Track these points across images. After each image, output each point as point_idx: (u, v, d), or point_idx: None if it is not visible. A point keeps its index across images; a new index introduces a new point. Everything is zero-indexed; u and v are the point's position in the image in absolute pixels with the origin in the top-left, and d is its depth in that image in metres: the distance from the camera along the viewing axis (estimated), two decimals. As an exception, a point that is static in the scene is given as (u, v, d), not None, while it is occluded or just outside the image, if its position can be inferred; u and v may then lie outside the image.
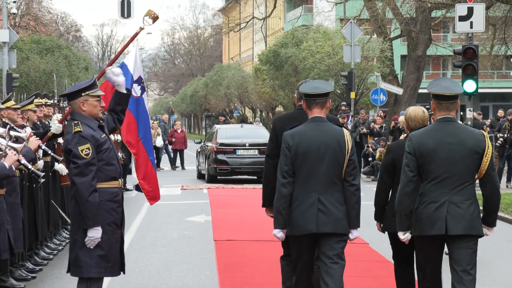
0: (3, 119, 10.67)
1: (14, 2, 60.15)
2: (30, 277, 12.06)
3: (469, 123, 23.27)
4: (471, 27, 21.76)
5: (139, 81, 10.19)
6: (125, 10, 36.87)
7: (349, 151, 7.96)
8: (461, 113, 24.10)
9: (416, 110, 9.01)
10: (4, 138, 8.96)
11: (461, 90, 8.20)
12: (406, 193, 7.86)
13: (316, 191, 7.92)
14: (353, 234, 8.03)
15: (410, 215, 7.88)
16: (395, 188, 8.58)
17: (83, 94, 8.25)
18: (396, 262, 9.14)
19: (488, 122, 33.45)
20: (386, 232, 9.09)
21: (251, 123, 50.12)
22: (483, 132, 8.06)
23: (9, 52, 35.51)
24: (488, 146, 7.79)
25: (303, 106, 8.26)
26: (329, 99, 8.21)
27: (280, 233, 8.06)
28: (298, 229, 7.93)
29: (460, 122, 8.38)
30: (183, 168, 37.92)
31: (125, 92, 8.82)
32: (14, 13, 63.20)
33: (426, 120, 8.90)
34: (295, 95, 9.29)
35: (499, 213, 16.83)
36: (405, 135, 9.53)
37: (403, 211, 7.89)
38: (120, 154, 21.04)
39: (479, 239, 7.87)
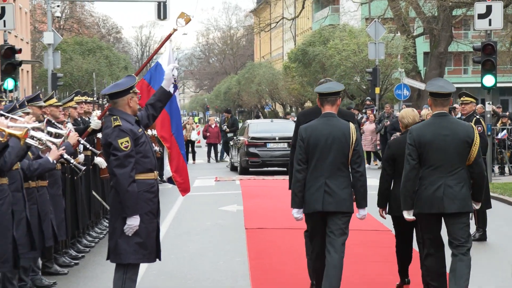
0: (46, 116, 10.76)
1: (58, 6, 60.53)
2: (73, 263, 12.17)
3: (488, 116, 23.15)
4: (490, 24, 21.61)
5: (174, 79, 10.24)
6: (161, 13, 37.00)
7: (354, 142, 8.85)
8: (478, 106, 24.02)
9: (408, 111, 10.08)
10: (43, 132, 9.03)
11: (453, 89, 9.00)
12: (409, 178, 8.78)
13: (323, 176, 8.84)
14: (361, 213, 9.02)
15: (413, 196, 8.81)
16: (396, 178, 9.57)
17: (130, 91, 8.34)
18: (398, 240, 10.06)
19: (507, 114, 33.32)
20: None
21: (285, 117, 49.96)
22: (472, 124, 9.19)
23: (54, 53, 35.72)
24: (476, 137, 8.76)
25: (317, 103, 9.19)
26: (339, 98, 9.12)
27: (297, 212, 9.08)
28: (308, 208, 8.94)
29: (453, 116, 9.52)
30: (217, 161, 37.97)
31: (168, 90, 8.90)
32: (58, 17, 63.61)
33: (417, 118, 9.90)
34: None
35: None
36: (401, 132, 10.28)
37: (407, 193, 8.82)
38: (157, 148, 21.18)
39: (496, 227, 8.34)
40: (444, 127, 8.78)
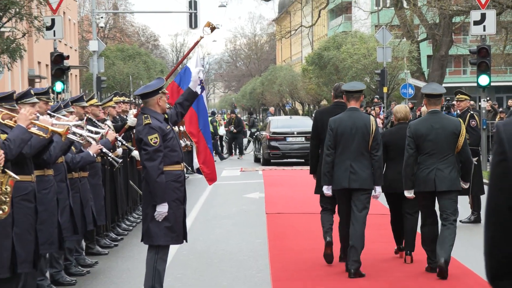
0: (87, 115, 10.78)
1: (102, 17, 60.70)
2: (113, 245, 12.24)
3: (483, 111, 22.99)
4: (484, 30, 21.45)
5: (200, 81, 10.20)
6: (193, 22, 37.08)
7: (373, 132, 9.54)
8: (479, 103, 23.91)
9: (401, 107, 10.95)
10: (83, 128, 9.05)
11: (443, 91, 9.85)
12: (408, 164, 9.55)
13: (349, 159, 9.54)
14: (377, 190, 9.70)
15: (412, 178, 9.54)
16: (388, 161, 10.29)
17: (159, 92, 8.31)
18: (391, 213, 10.64)
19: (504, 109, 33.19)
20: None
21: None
22: (460, 119, 10.10)
23: (98, 59, 35.91)
24: (462, 130, 9.56)
25: (344, 99, 9.92)
26: (362, 95, 9.89)
27: (327, 189, 9.73)
28: (336, 185, 9.61)
29: (444, 113, 10.35)
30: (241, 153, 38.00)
31: (195, 91, 8.87)
32: (102, 27, 63.83)
33: (408, 113, 10.71)
34: (332, 93, 10.78)
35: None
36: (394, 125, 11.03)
37: (407, 176, 9.56)
38: (188, 142, 21.14)
39: None
40: (436, 122, 9.54)
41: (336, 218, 10.07)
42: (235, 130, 36.17)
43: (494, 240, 2.33)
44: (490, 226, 2.34)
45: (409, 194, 9.63)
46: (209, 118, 37.83)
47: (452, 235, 9.35)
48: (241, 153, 37.09)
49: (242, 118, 41.27)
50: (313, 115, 11.55)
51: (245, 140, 38.67)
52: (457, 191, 9.56)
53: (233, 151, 37.11)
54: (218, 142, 36.44)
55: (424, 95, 9.91)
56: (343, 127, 9.56)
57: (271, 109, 49.47)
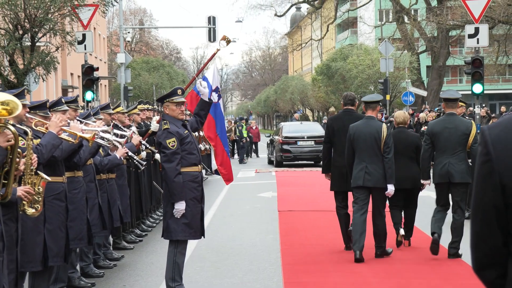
0: (114, 121, 10.82)
1: (129, 32, 60.81)
2: (138, 240, 12.25)
3: (477, 117, 22.92)
4: (478, 42, 21.38)
5: (217, 90, 10.18)
6: (211, 36, 37.12)
7: (384, 138, 10.01)
8: (470, 109, 23.94)
9: (400, 112, 11.52)
10: (109, 134, 9.08)
11: (459, 96, 10.62)
12: (424, 158, 10.35)
13: (364, 161, 10.01)
14: (389, 188, 10.02)
15: (428, 170, 10.33)
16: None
17: (165, 100, 8.32)
18: (390, 205, 10.93)
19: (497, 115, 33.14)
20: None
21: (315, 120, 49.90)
22: (472, 121, 10.76)
23: (125, 70, 35.97)
24: (472, 129, 10.13)
25: (363, 108, 10.56)
26: (378, 105, 10.48)
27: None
28: (354, 183, 10.08)
29: (458, 115, 10.62)
30: (257, 156, 37.98)
31: (207, 100, 8.86)
32: (129, 41, 63.99)
33: (406, 118, 11.29)
34: (342, 102, 11.39)
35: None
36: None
37: (423, 168, 10.41)
38: (207, 146, 21.11)
39: None
40: (450, 123, 10.17)
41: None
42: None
43: (479, 234, 2.33)
44: (476, 222, 2.33)
45: (426, 182, 10.48)
46: (236, 124, 37.90)
47: (460, 224, 10.03)
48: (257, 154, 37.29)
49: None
50: (325, 121, 11.93)
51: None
52: (467, 184, 10.07)
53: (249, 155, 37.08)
54: (240, 145, 36.02)
55: (443, 99, 10.65)
56: (359, 133, 10.10)
57: (296, 115, 49.18)
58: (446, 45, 40.80)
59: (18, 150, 5.66)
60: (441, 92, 11.44)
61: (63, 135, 7.29)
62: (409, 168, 10.75)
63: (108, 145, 8.99)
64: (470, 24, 21.64)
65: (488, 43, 23.57)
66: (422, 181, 10.54)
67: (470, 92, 22.30)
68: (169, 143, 8.06)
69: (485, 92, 22.21)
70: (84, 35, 22.65)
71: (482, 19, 22.21)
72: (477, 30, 21.27)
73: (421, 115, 30.21)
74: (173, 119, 8.23)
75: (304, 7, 67.94)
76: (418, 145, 10.92)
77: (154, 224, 13.75)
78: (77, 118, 8.65)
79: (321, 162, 11.42)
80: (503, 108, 29.54)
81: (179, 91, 8.36)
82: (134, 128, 11.59)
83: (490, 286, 2.39)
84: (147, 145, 11.77)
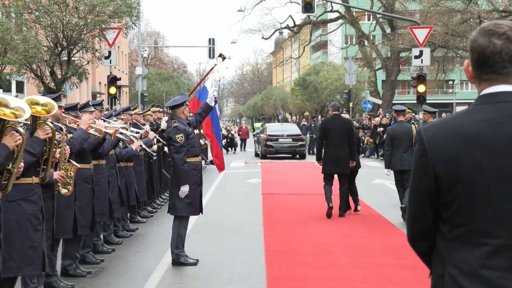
0: (132, 120, 10.77)
1: (146, 50, 60.52)
2: (150, 215, 12.22)
3: (421, 121, 22.93)
4: (422, 62, 21.40)
5: (214, 97, 10.17)
6: (211, 54, 37.05)
7: (414, 135, 11.07)
8: (416, 115, 24.06)
9: (345, 116, 12.37)
10: (127, 130, 9.04)
11: (405, 108, 11.78)
12: (387, 154, 11.47)
13: (400, 152, 11.23)
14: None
15: (389, 161, 11.35)
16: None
17: (184, 104, 8.30)
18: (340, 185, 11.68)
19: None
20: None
21: (292, 121, 49.71)
22: (412, 125, 11.49)
23: (142, 80, 35.82)
24: (413, 131, 11.18)
25: (395, 116, 11.85)
26: (406, 112, 11.65)
27: (388, 171, 11.46)
28: (393, 168, 11.32)
29: (407, 123, 11.55)
30: (245, 150, 37.91)
31: (212, 105, 8.85)
32: (145, 57, 63.73)
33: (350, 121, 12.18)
34: (330, 109, 12.05)
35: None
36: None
37: (386, 162, 11.47)
38: (206, 141, 21.02)
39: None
40: (401, 127, 11.37)
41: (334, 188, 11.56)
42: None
43: (415, 213, 2.33)
44: (413, 203, 2.34)
45: (388, 172, 11.43)
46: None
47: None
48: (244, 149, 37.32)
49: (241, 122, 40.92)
50: (320, 122, 13.41)
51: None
52: None
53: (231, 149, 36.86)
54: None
55: (394, 110, 11.98)
56: (396, 133, 11.30)
57: (306, 113, 48.89)
58: (397, 64, 40.78)
59: (55, 142, 5.64)
60: (393, 106, 12.90)
61: (91, 131, 7.28)
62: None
63: (126, 139, 8.94)
64: (416, 48, 21.67)
65: (430, 62, 23.62)
66: (385, 171, 11.54)
67: (415, 101, 22.30)
68: (178, 138, 8.03)
69: (427, 101, 22.16)
70: (109, 52, 22.47)
71: (426, 44, 22.22)
72: (421, 52, 21.29)
73: (377, 119, 30.24)
74: (180, 118, 8.21)
75: (285, 32, 67.70)
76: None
77: (163, 203, 13.70)
78: (102, 117, 8.63)
79: (315, 152, 12.26)
80: (444, 115, 29.65)
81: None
82: (147, 126, 11.54)
83: (422, 255, 2.40)
84: (160, 139, 11.71)
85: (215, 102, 9.98)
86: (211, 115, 10.10)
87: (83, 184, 7.45)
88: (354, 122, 32.98)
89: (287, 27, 46.10)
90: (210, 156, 10.22)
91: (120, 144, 9.31)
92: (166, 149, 12.41)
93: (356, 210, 12.10)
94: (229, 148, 35.92)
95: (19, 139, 4.75)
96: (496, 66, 2.22)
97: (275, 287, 6.99)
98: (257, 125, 61.90)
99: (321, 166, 11.64)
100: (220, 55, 10.32)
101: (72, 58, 19.64)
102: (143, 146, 10.24)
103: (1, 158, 4.67)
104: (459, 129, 2.22)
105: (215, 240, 9.79)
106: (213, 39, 38.14)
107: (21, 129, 4.79)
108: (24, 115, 4.65)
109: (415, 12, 36.74)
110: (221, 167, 10.18)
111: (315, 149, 30.97)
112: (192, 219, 10.35)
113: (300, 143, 29.85)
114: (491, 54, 2.22)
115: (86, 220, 7.45)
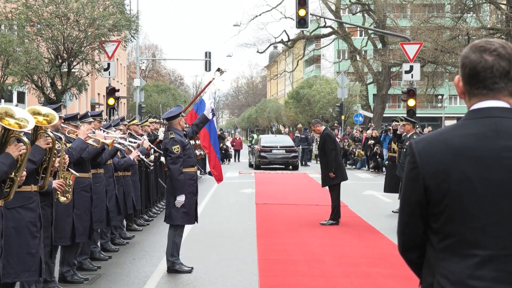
0: (129, 131, 10.75)
1: (143, 62, 60.57)
2: (146, 224, 12.17)
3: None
4: (412, 77, 21.51)
5: (212, 109, 10.16)
6: (207, 67, 37.11)
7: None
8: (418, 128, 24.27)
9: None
10: (125, 140, 9.03)
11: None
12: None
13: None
14: None
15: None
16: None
17: (179, 115, 8.29)
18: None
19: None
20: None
21: (286, 133, 49.74)
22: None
23: (140, 92, 35.87)
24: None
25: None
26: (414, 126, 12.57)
27: None
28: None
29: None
30: (239, 160, 37.87)
31: (209, 118, 8.85)
32: (143, 69, 63.79)
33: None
34: (317, 125, 12.31)
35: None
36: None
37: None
38: (202, 152, 21.01)
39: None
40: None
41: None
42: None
43: (406, 223, 2.33)
44: (404, 214, 2.34)
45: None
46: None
47: None
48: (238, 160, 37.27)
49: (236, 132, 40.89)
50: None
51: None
52: None
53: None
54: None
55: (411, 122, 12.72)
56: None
57: (299, 125, 48.92)
58: (388, 78, 40.94)
59: (54, 151, 5.62)
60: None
61: (89, 141, 7.27)
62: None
63: (124, 149, 8.93)
64: (407, 63, 21.77)
65: (420, 77, 23.73)
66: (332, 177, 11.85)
67: (405, 115, 22.33)
68: (174, 149, 8.02)
69: (417, 115, 22.23)
70: (108, 64, 22.48)
71: (416, 59, 22.30)
72: (411, 67, 21.39)
73: (368, 131, 30.33)
74: (176, 129, 8.20)
75: (280, 46, 67.99)
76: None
77: (159, 212, 13.67)
78: (101, 128, 8.62)
79: (331, 163, 11.85)
80: (431, 128, 29.69)
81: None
82: (145, 136, 11.53)
83: (412, 264, 2.39)
84: (156, 149, 11.69)
85: (213, 114, 9.99)
86: (209, 127, 10.09)
87: (82, 192, 7.43)
88: (341, 135, 33.31)
89: (282, 41, 46.25)
90: (207, 167, 10.16)
91: (118, 154, 9.29)
92: (162, 159, 12.40)
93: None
94: (224, 159, 35.90)
95: (23, 149, 4.75)
96: (487, 81, 2.23)
97: (268, 295, 6.97)
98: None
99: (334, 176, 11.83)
100: (218, 70, 10.33)
101: (72, 70, 19.64)
102: (141, 156, 10.22)
103: (5, 166, 4.66)
104: (448, 143, 2.23)
105: (209, 249, 9.76)
106: (210, 53, 38.25)
107: (25, 139, 4.79)
108: (28, 125, 4.64)
109: (406, 28, 36.92)
110: (219, 178, 10.15)
111: (315, 160, 31.05)
112: (187, 227, 10.31)
113: (293, 154, 29.85)
114: (483, 69, 2.23)
115: (84, 228, 7.42)
